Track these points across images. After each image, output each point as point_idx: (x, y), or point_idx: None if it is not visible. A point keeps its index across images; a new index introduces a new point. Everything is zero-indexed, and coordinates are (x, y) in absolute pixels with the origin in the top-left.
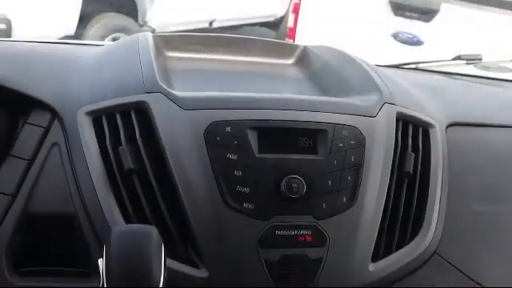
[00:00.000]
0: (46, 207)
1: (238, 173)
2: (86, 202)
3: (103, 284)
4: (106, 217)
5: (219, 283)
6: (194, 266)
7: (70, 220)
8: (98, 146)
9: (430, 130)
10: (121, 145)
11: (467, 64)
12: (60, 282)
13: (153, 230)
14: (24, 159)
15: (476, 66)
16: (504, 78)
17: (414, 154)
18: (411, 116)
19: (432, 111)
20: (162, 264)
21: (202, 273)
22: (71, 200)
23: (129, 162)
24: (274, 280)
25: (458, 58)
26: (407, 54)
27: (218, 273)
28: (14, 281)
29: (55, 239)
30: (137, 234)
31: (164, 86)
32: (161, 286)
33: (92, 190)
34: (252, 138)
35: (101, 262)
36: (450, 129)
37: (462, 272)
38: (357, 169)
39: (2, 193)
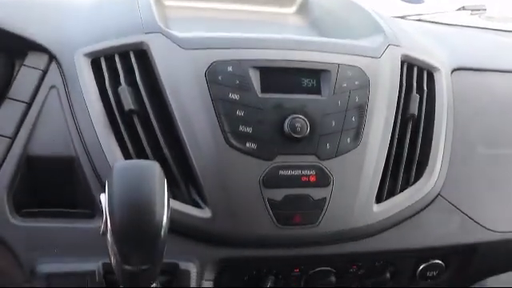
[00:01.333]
0: (46, 150)
1: (240, 113)
2: (86, 144)
3: (106, 219)
4: (107, 158)
5: (222, 223)
6: (197, 206)
7: (70, 162)
8: (97, 88)
9: (435, 73)
10: (120, 86)
11: (471, 15)
12: (63, 223)
13: (155, 165)
14: (22, 102)
15: (480, 17)
16: (508, 28)
17: (419, 96)
18: (416, 58)
19: (437, 55)
20: (166, 199)
21: (204, 213)
22: (71, 142)
23: (129, 103)
24: (277, 220)
25: (463, 8)
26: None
27: (221, 213)
28: (16, 222)
29: (56, 182)
30: (139, 168)
31: (163, 27)
32: (164, 221)
33: (92, 132)
34: (254, 77)
35: (103, 197)
36: (454, 73)
37: (465, 214)
38: (361, 109)
39: (1, 135)
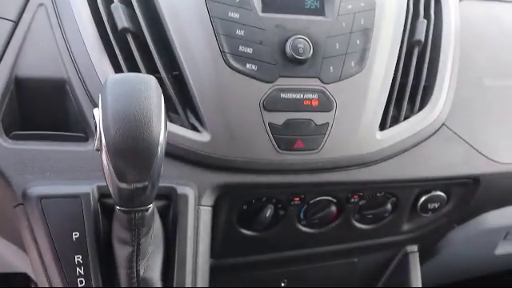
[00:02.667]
0: (35, 71)
1: (240, 32)
2: (78, 64)
3: (100, 134)
4: (100, 79)
5: (221, 147)
6: (195, 130)
7: (61, 84)
8: (88, 6)
9: (442, 0)
10: (113, 3)
11: None
12: (55, 146)
13: (151, 78)
14: (8, 20)
15: None
16: None
17: (426, 21)
18: None
19: None
20: (163, 114)
21: (203, 137)
22: (62, 63)
23: (122, 21)
24: (277, 145)
25: None
26: None
27: (219, 137)
28: (6, 144)
29: (47, 105)
30: (134, 81)
31: None
32: (161, 135)
33: (84, 52)
34: None
35: (96, 112)
36: (462, 2)
37: (469, 144)
38: (366, 33)
39: None
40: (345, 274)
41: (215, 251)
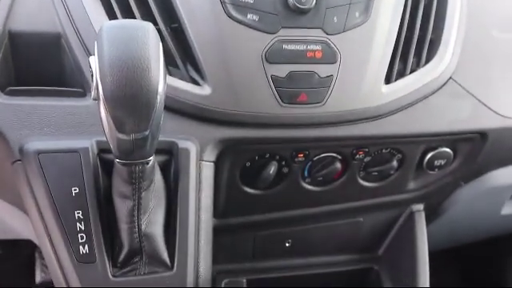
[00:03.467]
0: (29, 26)
1: None
2: (73, 18)
3: (97, 83)
4: (96, 32)
5: (222, 101)
6: (195, 83)
7: (56, 38)
8: None
9: None
10: None
11: None
12: (52, 101)
13: (149, 25)
14: None
15: None
16: None
17: None
18: None
19: None
20: (161, 62)
21: (203, 90)
22: (57, 17)
23: None
24: (281, 98)
25: None
26: None
27: (221, 90)
28: (2, 100)
29: (43, 60)
30: (132, 27)
31: None
32: (160, 83)
33: (79, 5)
34: None
35: (92, 60)
36: None
37: (477, 99)
38: None
39: None
40: (350, 234)
41: (218, 211)
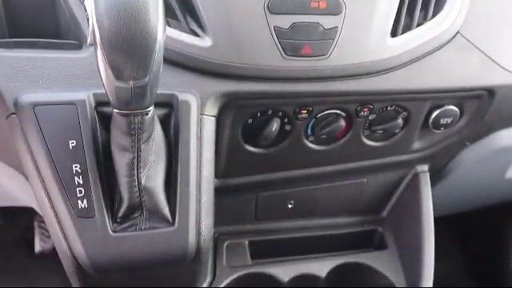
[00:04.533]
0: None
1: None
2: None
3: (93, 27)
4: None
5: (223, 53)
6: (196, 35)
7: None
8: None
9: None
10: None
11: None
12: (48, 53)
13: None
14: None
15: None
16: None
17: None
18: None
19: None
20: (160, 5)
21: (204, 42)
22: None
23: None
24: (284, 50)
25: None
26: None
27: (222, 42)
28: None
29: (37, 12)
30: None
31: None
32: (159, 32)
33: None
34: None
35: (88, 3)
36: None
37: (485, 54)
38: None
39: None
40: (353, 195)
41: (219, 170)
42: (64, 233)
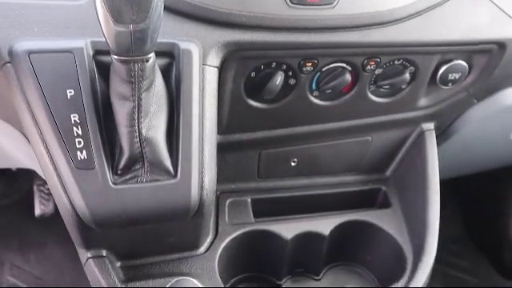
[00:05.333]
0: None
1: None
2: None
3: None
4: None
5: (227, 1)
6: None
7: None
8: None
9: None
10: None
11: None
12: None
13: None
14: None
15: None
16: None
17: None
18: None
19: None
20: None
21: None
22: None
23: None
24: None
25: None
26: None
27: None
28: None
29: None
30: None
31: None
32: None
33: None
34: None
35: None
36: None
37: (496, 5)
38: None
39: None
40: (357, 153)
41: (222, 126)
42: (63, 185)
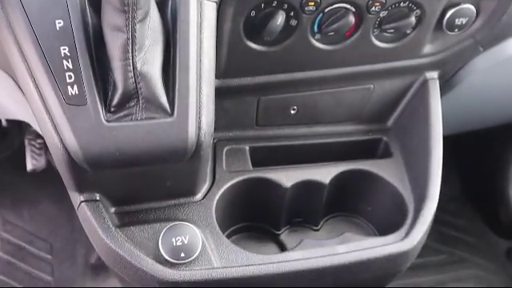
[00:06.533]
0: None
1: None
2: None
3: None
4: None
5: None
6: None
7: None
8: None
9: None
10: None
11: None
12: None
13: None
14: None
15: None
16: None
17: None
18: None
19: None
20: None
21: None
22: None
23: None
24: None
25: None
26: None
27: None
28: None
29: None
30: None
31: None
32: None
33: None
34: None
35: None
36: None
37: None
38: None
39: None
40: (359, 102)
41: (219, 70)
42: (54, 122)
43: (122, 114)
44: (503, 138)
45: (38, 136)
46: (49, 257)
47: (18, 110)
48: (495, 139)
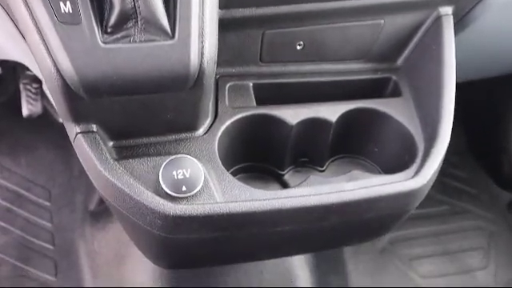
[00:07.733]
0: None
1: None
2: None
3: None
4: None
5: None
6: None
7: None
8: None
9: None
10: None
11: None
12: None
13: None
14: None
15: None
16: None
17: None
18: None
19: None
20: None
21: None
22: None
23: None
24: None
25: None
26: None
27: None
28: None
29: None
30: None
31: None
32: None
33: None
34: None
35: None
36: None
37: None
38: None
39: None
40: (368, 38)
41: None
42: (46, 43)
43: (119, 35)
44: (508, 89)
45: (34, 80)
46: (47, 203)
47: (12, 48)
48: (499, 91)
